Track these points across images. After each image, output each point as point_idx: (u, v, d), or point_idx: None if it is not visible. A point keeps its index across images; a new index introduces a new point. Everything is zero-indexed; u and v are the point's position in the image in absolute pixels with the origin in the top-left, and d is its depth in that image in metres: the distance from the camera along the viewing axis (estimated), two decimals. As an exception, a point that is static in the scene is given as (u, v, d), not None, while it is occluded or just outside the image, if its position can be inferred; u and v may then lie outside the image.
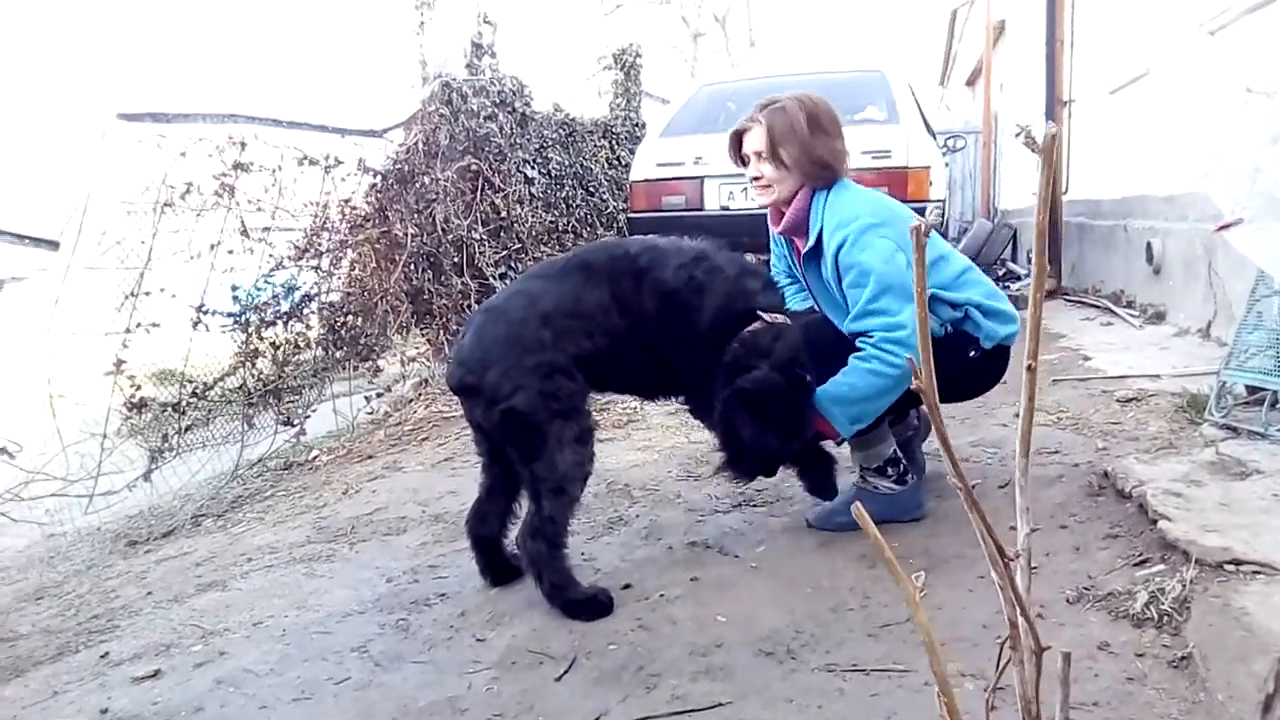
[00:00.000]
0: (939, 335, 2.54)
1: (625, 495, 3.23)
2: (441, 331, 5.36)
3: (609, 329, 2.35)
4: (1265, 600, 1.88)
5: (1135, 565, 2.21)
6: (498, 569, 2.52)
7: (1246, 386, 3.24)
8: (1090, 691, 1.71)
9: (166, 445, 3.88)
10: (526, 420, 2.22)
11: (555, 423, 2.22)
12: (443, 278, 5.34)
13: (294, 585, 2.68)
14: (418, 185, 4.85)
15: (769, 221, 2.75)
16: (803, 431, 2.46)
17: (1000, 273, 9.05)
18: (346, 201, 4.51)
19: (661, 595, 2.37)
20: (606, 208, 7.48)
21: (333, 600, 2.53)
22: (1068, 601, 2.10)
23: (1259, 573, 1.99)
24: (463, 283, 5.41)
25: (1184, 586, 1.97)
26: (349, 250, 4.48)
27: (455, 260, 5.37)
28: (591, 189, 7.22)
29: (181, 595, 2.74)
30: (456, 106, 5.40)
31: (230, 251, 4.07)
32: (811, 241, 2.55)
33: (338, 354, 4.48)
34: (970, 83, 17.54)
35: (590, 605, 2.25)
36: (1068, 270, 7.98)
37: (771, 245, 2.91)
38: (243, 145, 4.03)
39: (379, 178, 4.69)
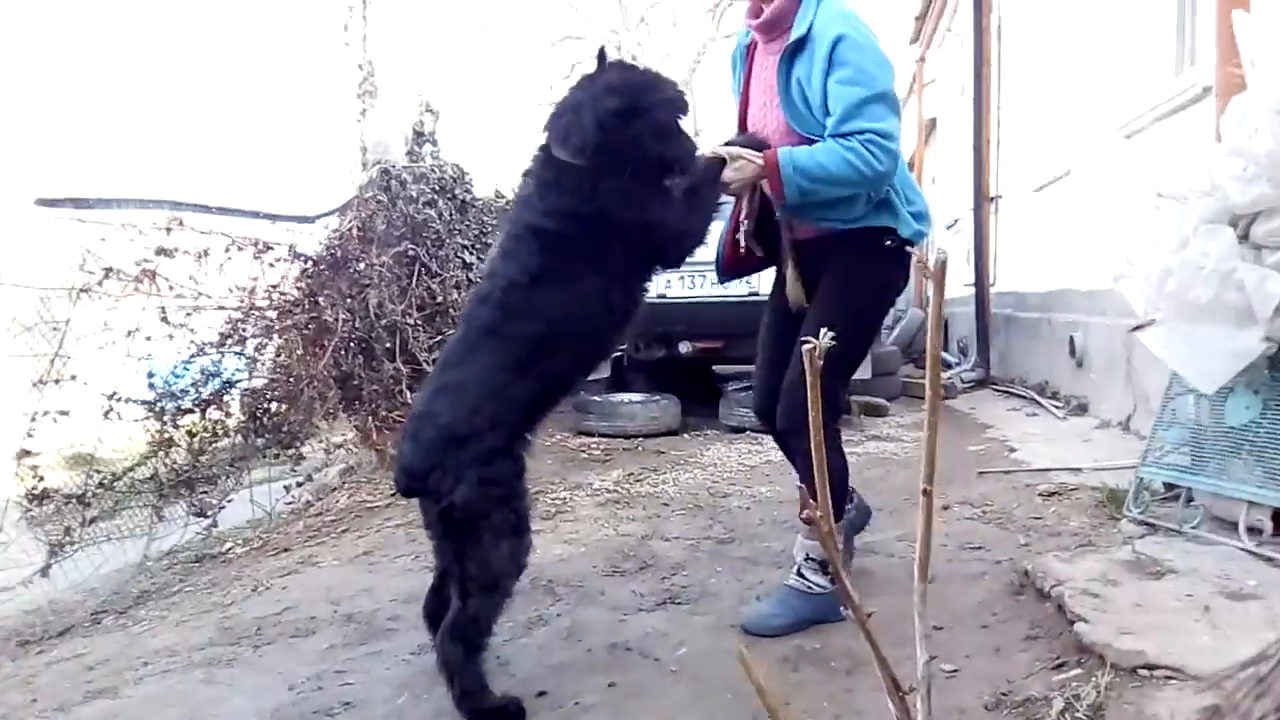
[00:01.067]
0: (862, 220, 2.51)
1: (549, 592, 3.14)
2: (370, 418, 5.25)
3: (534, 351, 2.29)
4: (1177, 705, 1.87)
5: (1053, 669, 2.18)
6: None
7: (1164, 483, 3.29)
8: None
9: (68, 538, 3.69)
10: (464, 514, 2.17)
11: (494, 513, 2.18)
12: (374, 362, 5.26)
13: (189, 693, 2.52)
14: (351, 270, 4.80)
15: (746, 17, 2.65)
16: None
17: (932, 361, 9.22)
18: (275, 287, 4.44)
19: (577, 703, 2.28)
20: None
21: (229, 710, 2.39)
22: (985, 709, 2.06)
23: (1171, 678, 1.98)
24: (394, 367, 5.32)
25: (1099, 693, 1.95)
26: (275, 336, 4.39)
27: (388, 345, 5.30)
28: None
29: (68, 704, 2.56)
30: (395, 192, 5.41)
31: (148, 338, 3.96)
32: (801, 31, 2.43)
33: (259, 441, 4.35)
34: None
35: (498, 716, 2.15)
36: (996, 360, 8.15)
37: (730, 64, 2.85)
38: (168, 230, 3.96)
39: (310, 263, 4.64)
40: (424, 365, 5.45)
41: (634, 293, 2.46)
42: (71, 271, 3.67)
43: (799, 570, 2.63)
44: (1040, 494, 3.78)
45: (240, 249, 4.19)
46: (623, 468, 5.03)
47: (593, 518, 4.05)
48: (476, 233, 6.51)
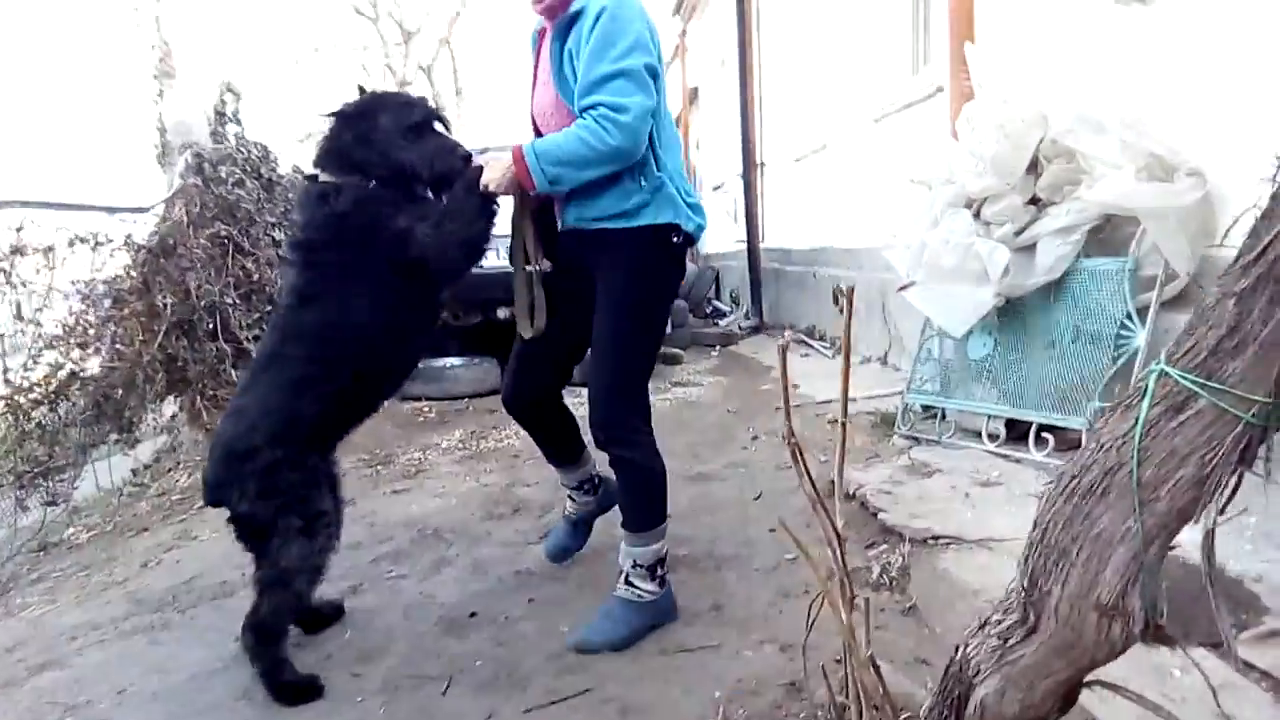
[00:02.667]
0: (640, 218, 2.45)
1: (438, 539, 3.55)
2: (198, 398, 5.30)
3: (309, 372, 2.43)
4: (958, 561, 2.65)
5: (867, 547, 2.94)
6: (306, 621, 2.72)
7: (922, 406, 4.19)
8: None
9: None
10: (249, 522, 2.42)
11: (279, 520, 2.39)
12: (196, 344, 5.31)
13: (141, 654, 2.74)
14: (176, 256, 4.83)
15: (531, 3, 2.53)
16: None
17: (708, 310, 10.14)
18: (115, 279, 4.43)
19: (506, 617, 2.76)
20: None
21: (191, 659, 2.65)
22: (827, 578, 2.76)
23: (950, 543, 2.77)
24: (217, 347, 5.39)
25: (904, 559, 2.71)
26: (112, 325, 4.38)
27: (209, 325, 5.35)
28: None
29: (13, 680, 2.70)
30: (208, 175, 5.41)
31: (2, 335, 3.89)
32: (576, 7, 2.38)
33: (106, 429, 4.36)
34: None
35: (294, 690, 2.37)
36: (768, 309, 9.17)
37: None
38: (19, 230, 3.89)
39: (143, 251, 4.64)
40: (244, 343, 5.56)
41: (415, 309, 2.56)
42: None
43: (627, 579, 2.57)
44: (829, 421, 4.61)
45: (83, 243, 4.16)
46: (462, 427, 5.43)
47: (453, 473, 4.46)
48: (283, 210, 6.55)
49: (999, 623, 1.15)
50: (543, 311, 2.63)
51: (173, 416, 5.22)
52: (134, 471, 4.77)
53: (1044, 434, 3.37)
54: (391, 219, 2.45)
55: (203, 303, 5.31)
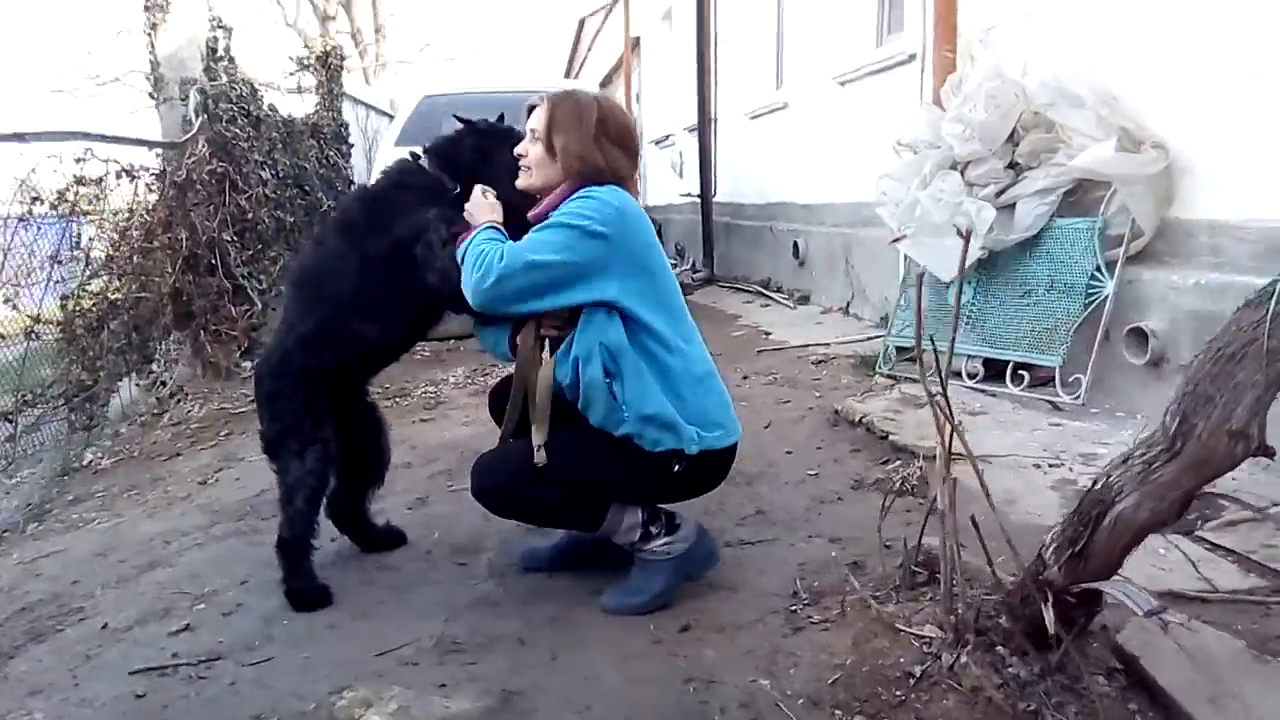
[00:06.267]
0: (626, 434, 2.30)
1: (478, 460, 3.86)
2: (201, 331, 5.45)
3: (317, 336, 2.58)
4: (963, 473, 3.13)
5: (880, 464, 3.40)
6: (366, 540, 2.96)
7: (897, 348, 4.67)
8: (893, 527, 2.80)
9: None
10: (264, 442, 2.72)
11: (285, 441, 2.65)
12: (199, 279, 5.45)
13: (244, 553, 2.97)
14: (193, 192, 4.96)
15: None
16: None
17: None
18: (151, 210, 4.54)
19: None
20: (320, 206, 7.72)
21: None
22: (852, 489, 3.22)
23: (955, 460, 3.24)
24: (217, 283, 5.54)
25: (920, 471, 3.17)
26: (139, 257, 4.51)
27: (209, 261, 5.49)
28: (307, 188, 7.42)
29: (125, 577, 2.93)
30: (211, 112, 5.50)
31: (59, 262, 4.00)
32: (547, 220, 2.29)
33: (134, 358, 4.50)
34: (602, 87, 19.22)
35: (308, 595, 2.59)
36: (718, 261, 9.59)
37: None
38: (80, 161, 3.98)
39: (171, 187, 4.75)
40: (240, 280, 5.72)
41: (418, 301, 2.56)
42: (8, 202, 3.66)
43: (633, 551, 2.47)
44: (811, 363, 5.07)
45: (132, 176, 4.27)
46: (463, 365, 5.72)
47: (471, 404, 4.76)
48: (268, 149, 6.66)
49: (1142, 455, 1.58)
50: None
51: (177, 346, 5.37)
52: (159, 400, 4.92)
53: (1020, 371, 3.89)
54: (428, 219, 2.47)
55: (203, 238, 5.45)
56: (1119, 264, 3.61)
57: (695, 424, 2.33)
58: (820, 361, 5.09)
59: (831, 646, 2.15)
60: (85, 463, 4.60)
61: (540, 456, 2.34)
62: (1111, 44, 3.79)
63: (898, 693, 1.92)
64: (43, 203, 3.79)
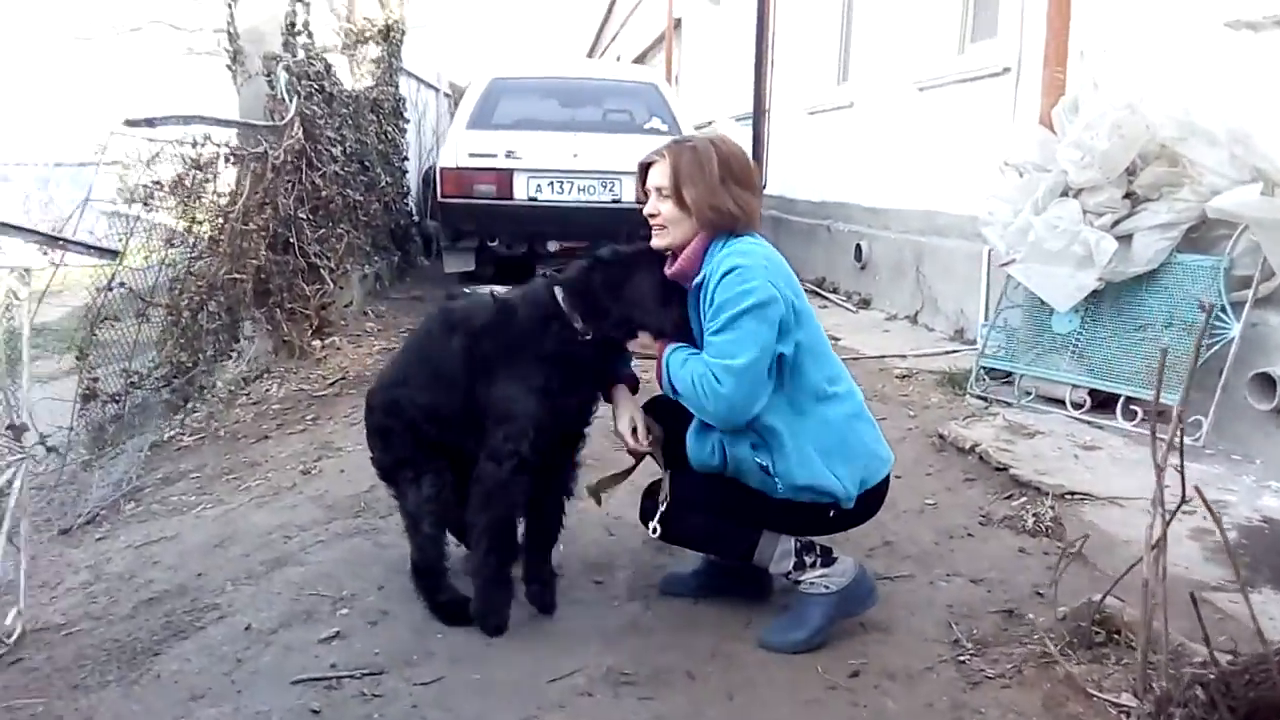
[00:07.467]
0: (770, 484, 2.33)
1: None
2: (278, 309, 5.41)
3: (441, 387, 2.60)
4: (1098, 514, 3.12)
5: (1004, 499, 3.37)
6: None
7: (984, 369, 4.64)
8: (1035, 570, 2.79)
9: (104, 436, 3.73)
10: (380, 468, 2.73)
11: (400, 470, 2.65)
12: (277, 257, 5.40)
13: (373, 554, 2.92)
14: (282, 173, 4.92)
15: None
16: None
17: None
18: (253, 190, 4.50)
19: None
20: (379, 183, 7.66)
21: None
22: (980, 524, 3.20)
23: (1084, 500, 3.23)
24: (292, 261, 5.50)
25: (1053, 510, 3.15)
26: (237, 240, 4.47)
27: (289, 240, 5.45)
28: (368, 165, 7.36)
29: (253, 573, 2.90)
30: (295, 90, 5.44)
31: (172, 245, 3.96)
32: (698, 280, 2.31)
33: (227, 338, 4.47)
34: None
35: (448, 609, 2.59)
36: (766, 255, 9.52)
37: None
38: (196, 145, 3.95)
39: (269, 169, 4.71)
40: (313, 258, 5.67)
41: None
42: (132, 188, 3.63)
43: (791, 581, 2.47)
44: (895, 376, 5.04)
45: (240, 160, 4.23)
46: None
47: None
48: (337, 125, 6.60)
49: None
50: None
51: (253, 326, 5.34)
52: (244, 380, 4.89)
53: (1131, 406, 3.87)
54: (519, 413, 2.43)
55: (280, 214, 5.39)
56: (1246, 306, 3.58)
57: (857, 461, 2.39)
58: (904, 376, 5.05)
59: (1019, 705, 2.14)
60: (165, 438, 4.58)
61: (665, 493, 2.45)
62: (1243, 80, 3.74)
63: (1105, 764, 1.92)
64: (161, 186, 3.75)
